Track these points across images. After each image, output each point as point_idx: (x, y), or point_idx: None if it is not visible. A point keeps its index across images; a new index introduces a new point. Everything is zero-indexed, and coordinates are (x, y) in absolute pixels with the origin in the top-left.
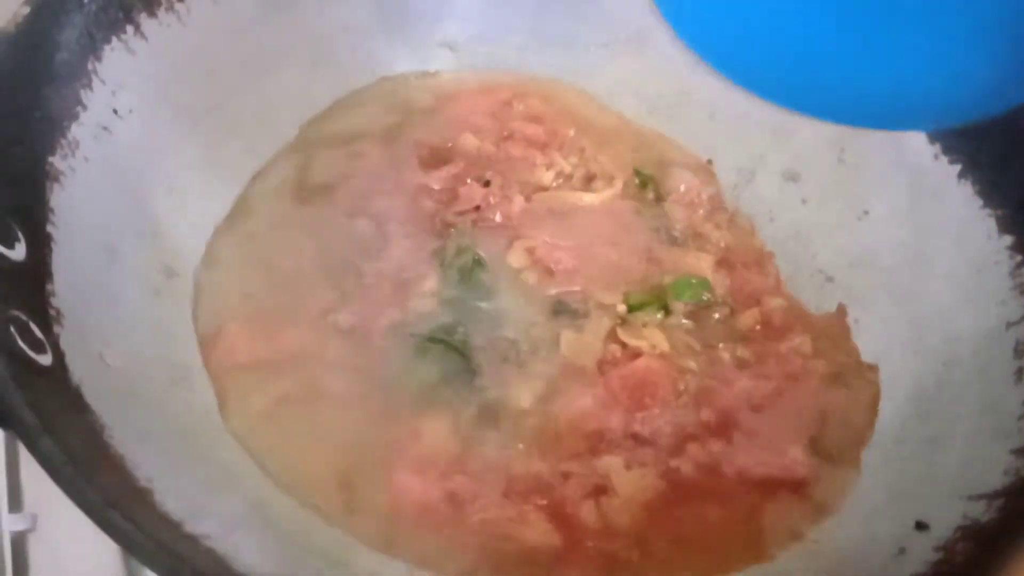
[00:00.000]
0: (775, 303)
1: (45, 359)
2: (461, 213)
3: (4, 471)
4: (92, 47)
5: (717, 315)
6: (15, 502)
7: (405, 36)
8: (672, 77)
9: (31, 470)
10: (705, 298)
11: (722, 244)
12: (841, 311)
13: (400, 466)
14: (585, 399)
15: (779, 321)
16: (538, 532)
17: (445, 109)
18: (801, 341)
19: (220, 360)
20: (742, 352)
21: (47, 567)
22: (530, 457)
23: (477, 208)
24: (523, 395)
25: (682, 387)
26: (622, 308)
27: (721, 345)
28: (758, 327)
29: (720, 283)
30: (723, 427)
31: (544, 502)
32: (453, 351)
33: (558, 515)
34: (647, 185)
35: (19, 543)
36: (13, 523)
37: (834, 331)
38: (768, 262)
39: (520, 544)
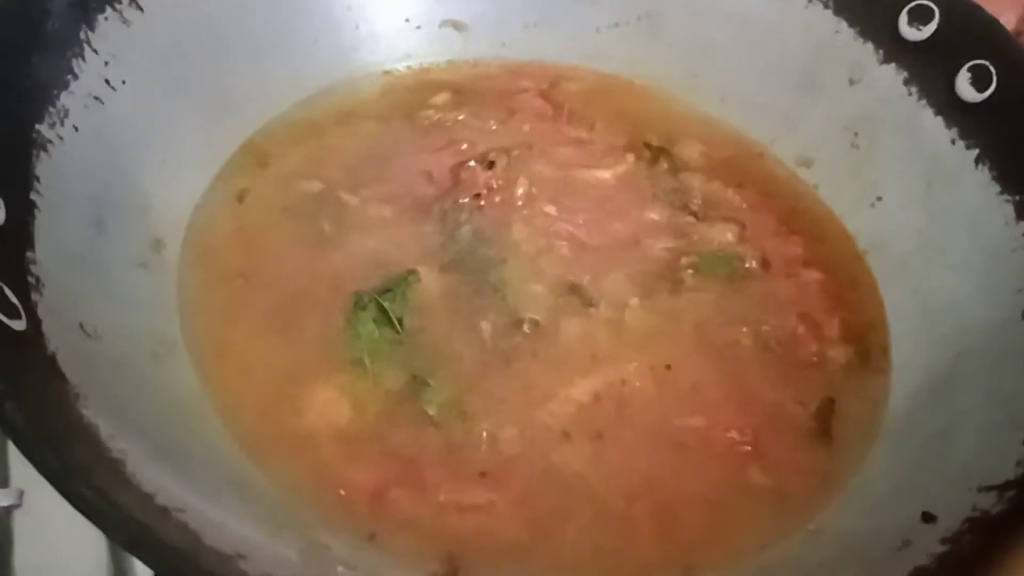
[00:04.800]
0: (809, 276)
1: (19, 324)
2: (462, 201)
3: None
4: (84, 16)
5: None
6: (2, 477)
7: (410, 15)
8: (683, 59)
9: None
10: (738, 269)
11: (744, 206)
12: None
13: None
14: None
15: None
16: None
17: (448, 90)
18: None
19: None
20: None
21: (32, 543)
22: None
23: (478, 195)
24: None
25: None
26: (634, 300)
27: (744, 329)
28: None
29: (749, 253)
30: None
31: None
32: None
33: None
34: (659, 157)
35: (4, 519)
36: None
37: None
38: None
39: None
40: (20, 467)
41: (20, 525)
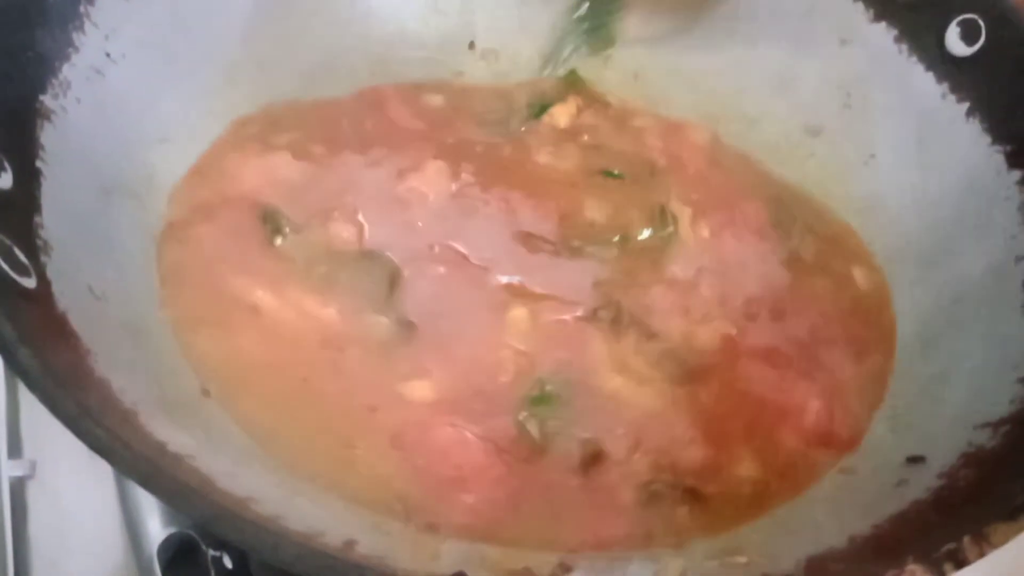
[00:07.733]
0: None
1: (29, 282)
2: None
3: (4, 417)
4: None
5: None
6: (14, 448)
7: None
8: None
9: (31, 416)
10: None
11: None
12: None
13: None
14: None
15: None
16: None
17: None
18: None
19: None
20: None
21: (46, 513)
22: None
23: None
24: None
25: None
26: None
27: None
28: None
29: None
30: None
31: None
32: None
33: None
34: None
35: (18, 489)
36: (12, 469)
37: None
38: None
39: None
40: (32, 438)
41: (33, 495)
